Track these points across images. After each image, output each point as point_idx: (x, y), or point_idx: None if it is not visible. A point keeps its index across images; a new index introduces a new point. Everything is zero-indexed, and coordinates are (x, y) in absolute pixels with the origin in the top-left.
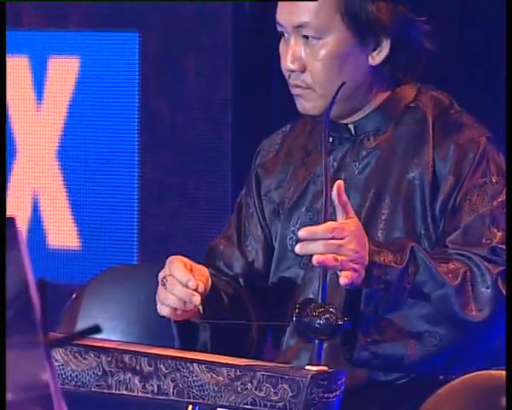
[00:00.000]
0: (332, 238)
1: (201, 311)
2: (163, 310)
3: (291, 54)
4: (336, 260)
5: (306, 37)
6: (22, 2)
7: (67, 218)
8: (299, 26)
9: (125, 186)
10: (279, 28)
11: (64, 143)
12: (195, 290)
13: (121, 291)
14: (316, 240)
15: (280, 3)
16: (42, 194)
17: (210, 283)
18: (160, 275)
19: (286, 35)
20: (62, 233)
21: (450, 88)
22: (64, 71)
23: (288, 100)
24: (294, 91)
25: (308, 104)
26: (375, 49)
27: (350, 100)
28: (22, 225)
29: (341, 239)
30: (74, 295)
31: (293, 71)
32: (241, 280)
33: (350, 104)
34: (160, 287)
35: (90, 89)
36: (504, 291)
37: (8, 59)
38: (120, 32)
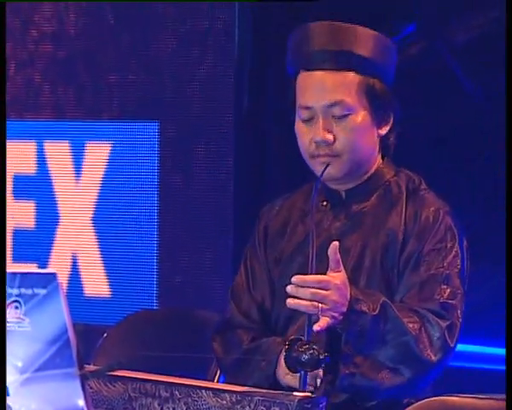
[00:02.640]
0: (319, 288)
1: None
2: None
3: (323, 127)
4: (315, 307)
5: (334, 116)
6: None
7: (100, 272)
8: (331, 105)
9: (147, 245)
10: (304, 113)
11: (98, 211)
12: None
13: (143, 331)
14: (305, 287)
15: (309, 90)
16: (79, 253)
17: None
18: None
19: (309, 115)
20: (96, 284)
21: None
22: (98, 153)
23: (280, 172)
24: (322, 160)
25: (334, 169)
26: (383, 123)
27: (355, 164)
28: (63, 279)
29: (326, 290)
30: (105, 335)
31: (324, 142)
32: (258, 321)
33: (352, 168)
34: None
35: (119, 167)
36: (450, 342)
37: (52, 144)
38: (143, 122)
